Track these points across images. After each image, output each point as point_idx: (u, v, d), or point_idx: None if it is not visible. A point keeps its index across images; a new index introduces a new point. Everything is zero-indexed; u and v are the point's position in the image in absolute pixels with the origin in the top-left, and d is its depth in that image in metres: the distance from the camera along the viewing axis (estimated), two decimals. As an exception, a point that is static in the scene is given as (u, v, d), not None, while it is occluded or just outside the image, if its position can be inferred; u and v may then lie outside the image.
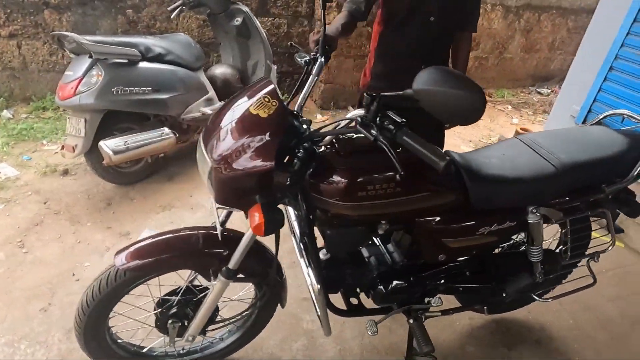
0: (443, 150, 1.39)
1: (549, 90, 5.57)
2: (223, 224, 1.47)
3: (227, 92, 3.18)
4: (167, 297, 1.48)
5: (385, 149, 0.99)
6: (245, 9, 3.18)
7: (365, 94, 1.07)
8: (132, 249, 1.31)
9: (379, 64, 1.90)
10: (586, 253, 1.73)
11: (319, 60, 1.42)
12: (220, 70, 3.25)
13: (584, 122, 3.43)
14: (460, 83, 0.87)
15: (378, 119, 1.04)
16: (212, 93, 3.00)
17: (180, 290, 1.47)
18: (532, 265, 1.65)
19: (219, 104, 3.00)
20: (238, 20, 3.17)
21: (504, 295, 1.67)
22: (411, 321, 1.58)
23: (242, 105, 1.16)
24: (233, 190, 1.13)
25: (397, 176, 0.98)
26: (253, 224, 1.07)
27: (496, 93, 5.37)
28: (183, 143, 2.92)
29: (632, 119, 1.68)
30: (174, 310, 1.47)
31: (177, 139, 2.76)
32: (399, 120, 1.00)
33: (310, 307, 1.97)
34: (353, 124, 1.19)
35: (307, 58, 1.45)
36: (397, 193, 1.22)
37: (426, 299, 1.62)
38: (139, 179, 2.84)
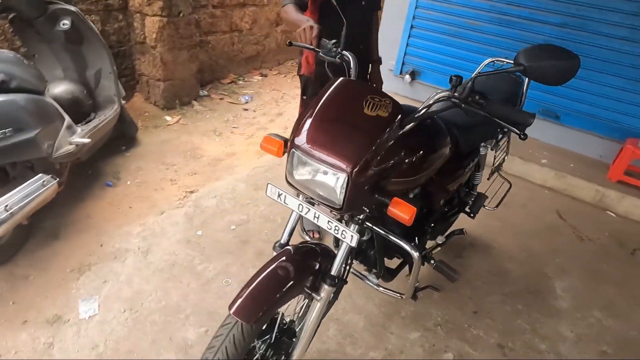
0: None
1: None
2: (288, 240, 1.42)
3: (79, 112, 2.61)
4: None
5: (493, 118, 1.18)
6: (73, 8, 2.59)
7: (452, 76, 1.21)
8: (246, 298, 1.15)
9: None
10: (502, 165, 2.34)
11: (347, 54, 1.45)
12: (61, 88, 2.61)
13: (400, 73, 4.22)
14: (561, 53, 1.12)
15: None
16: (68, 118, 2.41)
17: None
18: (474, 187, 2.17)
19: (81, 130, 2.45)
20: (65, 24, 2.57)
21: (472, 215, 2.13)
22: (432, 262, 1.87)
23: (350, 112, 1.15)
24: (369, 192, 1.13)
25: (520, 136, 1.19)
26: (406, 214, 1.11)
27: (305, 61, 5.88)
28: (62, 187, 2.30)
29: (500, 61, 2.25)
30: (270, 350, 1.36)
31: (58, 183, 2.16)
32: (485, 95, 1.20)
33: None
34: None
35: (341, 56, 1.45)
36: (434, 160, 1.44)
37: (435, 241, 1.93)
38: (16, 251, 2.14)
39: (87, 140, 2.35)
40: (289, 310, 1.48)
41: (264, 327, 1.31)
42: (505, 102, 1.22)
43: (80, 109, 2.64)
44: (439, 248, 1.94)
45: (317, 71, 2.02)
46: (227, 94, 4.49)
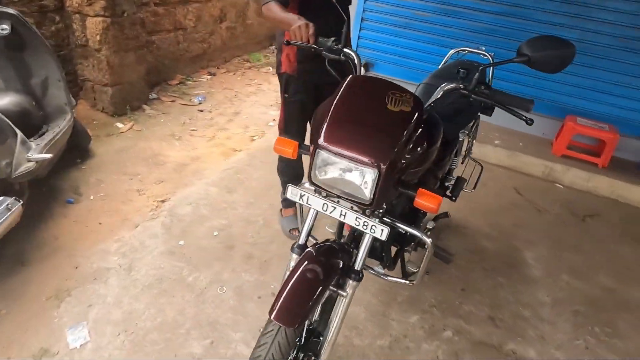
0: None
1: (285, 47, 6.39)
2: (306, 240, 1.41)
3: (30, 125, 2.38)
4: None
5: (501, 106, 1.26)
6: (13, 11, 2.34)
7: (460, 68, 1.27)
8: (285, 303, 1.14)
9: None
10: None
11: (349, 51, 1.45)
12: (6, 100, 2.35)
13: (354, 65, 4.27)
14: (559, 43, 1.20)
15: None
16: (20, 133, 2.19)
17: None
18: (452, 172, 2.28)
19: (36, 145, 2.24)
20: (5, 29, 2.32)
21: (454, 199, 2.24)
22: (426, 246, 1.94)
23: (373, 108, 1.16)
24: (394, 186, 1.16)
25: (527, 122, 1.27)
26: (433, 204, 1.15)
27: (251, 58, 5.78)
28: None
29: (463, 51, 2.38)
30: (300, 353, 1.35)
31: (22, 205, 1.97)
32: (489, 85, 1.28)
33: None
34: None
35: (346, 54, 1.45)
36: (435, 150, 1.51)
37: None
38: (-22, 284, 1.92)
39: (48, 155, 2.16)
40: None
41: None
42: (503, 91, 1.30)
43: (30, 122, 2.41)
44: (429, 232, 2.03)
45: (300, 69, 2.00)
46: (178, 96, 4.30)
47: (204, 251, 2.30)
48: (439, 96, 1.34)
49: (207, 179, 2.94)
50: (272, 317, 1.12)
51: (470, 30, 3.75)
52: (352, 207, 1.28)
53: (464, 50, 2.36)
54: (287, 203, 2.51)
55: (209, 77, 4.96)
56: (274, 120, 4.05)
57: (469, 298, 2.21)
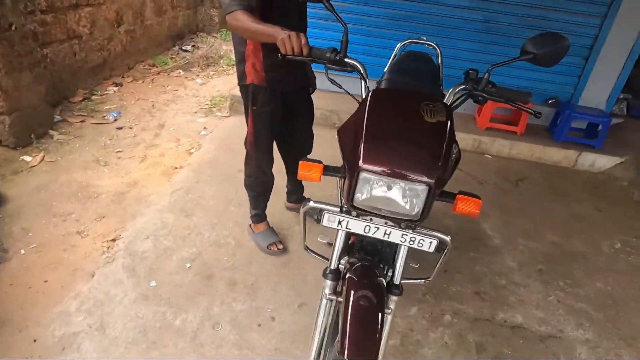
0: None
1: (190, 46, 5.99)
2: (338, 264, 1.35)
3: None
4: None
5: (509, 102, 1.30)
6: None
7: (469, 70, 1.28)
8: (357, 340, 1.08)
9: (271, 56, 1.83)
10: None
11: (351, 61, 1.38)
12: None
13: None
14: (557, 38, 1.26)
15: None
16: None
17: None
18: None
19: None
20: None
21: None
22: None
23: (408, 123, 1.12)
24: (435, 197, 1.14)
25: (535, 115, 1.33)
26: (476, 209, 1.16)
27: (157, 62, 5.31)
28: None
29: (413, 43, 2.44)
30: None
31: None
32: (495, 84, 1.32)
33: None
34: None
35: (350, 64, 1.38)
36: None
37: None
38: None
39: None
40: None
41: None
42: (505, 87, 1.35)
43: None
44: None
45: (268, 78, 1.87)
46: (87, 114, 3.80)
47: (181, 288, 2.08)
48: (453, 97, 1.35)
49: (157, 205, 2.65)
50: (347, 356, 1.04)
51: (390, 18, 3.87)
52: (386, 223, 1.23)
53: (415, 41, 2.41)
54: (258, 218, 2.38)
55: (115, 88, 4.45)
56: (204, 128, 3.79)
57: (453, 278, 2.33)
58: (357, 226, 1.21)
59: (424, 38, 2.51)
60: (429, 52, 2.38)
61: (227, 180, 2.94)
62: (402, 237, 1.19)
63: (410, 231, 1.19)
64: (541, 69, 3.87)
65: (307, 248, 1.86)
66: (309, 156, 1.67)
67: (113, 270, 2.14)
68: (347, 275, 1.27)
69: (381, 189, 1.10)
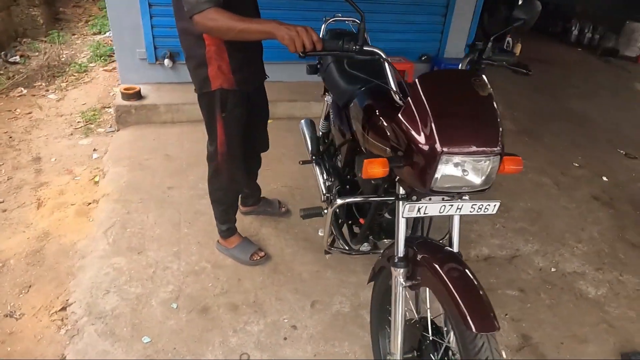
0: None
1: (18, 56, 4.91)
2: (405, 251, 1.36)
3: None
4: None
5: (507, 66, 1.45)
6: None
7: (475, 42, 1.36)
8: (474, 310, 1.09)
9: (236, 53, 1.64)
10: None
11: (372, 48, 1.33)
12: None
13: (156, 59, 3.76)
14: (533, 3, 1.41)
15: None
16: None
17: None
18: None
19: None
20: None
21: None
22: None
23: (469, 101, 1.16)
24: None
25: (527, 74, 1.48)
26: (519, 165, 1.28)
27: (-16, 82, 4.24)
28: None
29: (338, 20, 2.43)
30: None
31: None
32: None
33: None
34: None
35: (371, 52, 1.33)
36: None
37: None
38: None
39: None
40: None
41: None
42: (501, 51, 1.48)
43: None
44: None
45: (238, 79, 1.67)
46: None
47: (182, 333, 1.84)
48: (465, 67, 1.42)
49: (94, 252, 2.22)
50: (476, 329, 1.08)
51: None
52: (442, 199, 1.28)
53: (339, 18, 2.39)
54: (230, 231, 2.19)
55: (-59, 125, 3.44)
56: (94, 150, 3.24)
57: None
58: (434, 209, 1.24)
59: (339, 15, 2.52)
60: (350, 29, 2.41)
61: (161, 202, 2.61)
62: (471, 207, 1.26)
63: (477, 200, 1.25)
64: (413, 30, 4.25)
65: (328, 251, 1.82)
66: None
67: (88, 342, 1.76)
68: (422, 256, 1.29)
69: (460, 168, 1.14)
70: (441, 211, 1.25)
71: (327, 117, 2.33)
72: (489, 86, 1.21)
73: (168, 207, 2.57)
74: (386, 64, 1.33)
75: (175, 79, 3.88)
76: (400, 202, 1.30)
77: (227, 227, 2.17)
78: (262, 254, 2.21)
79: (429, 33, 4.38)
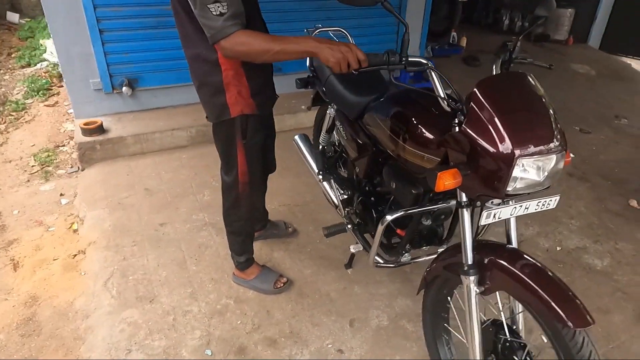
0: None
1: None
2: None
3: None
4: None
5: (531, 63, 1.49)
6: None
7: (505, 42, 1.38)
8: (567, 305, 1.10)
9: (255, 76, 1.55)
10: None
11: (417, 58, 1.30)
12: None
13: (113, 88, 3.51)
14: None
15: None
16: None
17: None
18: None
19: None
20: None
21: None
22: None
23: (531, 101, 1.16)
24: None
25: (550, 67, 1.53)
26: (568, 158, 1.31)
27: None
28: None
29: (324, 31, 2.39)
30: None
31: None
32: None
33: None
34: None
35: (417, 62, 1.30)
36: None
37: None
38: None
39: None
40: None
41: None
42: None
43: None
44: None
45: (258, 103, 1.57)
46: None
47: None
48: (498, 68, 1.44)
49: (99, 309, 2.00)
50: (575, 326, 1.09)
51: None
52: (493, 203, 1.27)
53: (323, 28, 2.35)
54: (249, 262, 2.07)
55: None
56: (61, 195, 2.94)
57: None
58: (506, 212, 1.24)
59: (319, 25, 2.48)
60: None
61: (157, 242, 2.41)
62: (536, 205, 1.27)
63: (542, 198, 1.26)
64: (372, 32, 4.29)
65: (377, 264, 1.77)
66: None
67: (124, 412, 1.57)
68: (488, 260, 1.28)
69: (534, 170, 1.14)
70: (512, 213, 1.25)
71: (329, 130, 2.28)
72: (539, 86, 1.23)
73: (166, 245, 2.39)
74: (433, 73, 1.31)
75: (136, 107, 3.64)
76: (466, 210, 1.29)
77: (245, 258, 2.04)
78: (285, 279, 2.11)
79: (386, 35, 4.47)
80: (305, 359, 1.78)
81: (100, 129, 3.26)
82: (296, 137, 2.59)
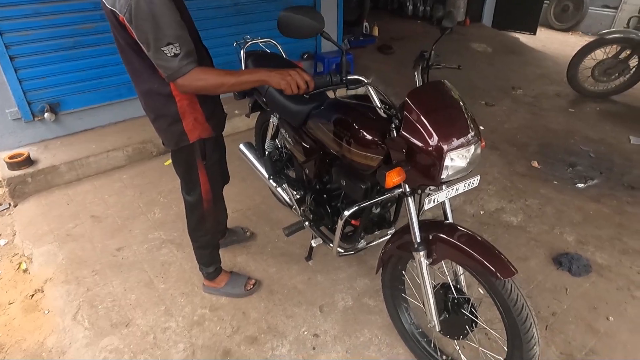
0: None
1: None
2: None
3: None
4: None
5: (444, 66, 1.76)
6: None
7: (422, 52, 1.64)
8: (494, 259, 1.41)
9: (207, 100, 1.65)
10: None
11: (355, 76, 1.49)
12: None
13: (33, 116, 3.36)
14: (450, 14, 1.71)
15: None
16: None
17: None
18: None
19: None
20: None
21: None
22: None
23: (450, 104, 1.42)
24: None
25: (459, 67, 1.81)
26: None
27: None
28: None
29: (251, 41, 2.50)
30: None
31: None
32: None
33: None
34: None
35: (355, 80, 1.47)
36: None
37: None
38: None
39: None
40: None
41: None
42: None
43: None
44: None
45: (213, 125, 1.68)
46: None
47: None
48: (418, 76, 1.68)
49: (75, 343, 2.01)
50: (503, 277, 1.38)
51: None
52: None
53: (251, 40, 2.45)
54: (218, 270, 2.19)
55: None
56: (-2, 235, 2.81)
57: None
58: (442, 196, 1.51)
59: (248, 37, 2.58)
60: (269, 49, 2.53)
61: (118, 267, 2.44)
62: (464, 186, 1.56)
63: (467, 179, 1.55)
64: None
65: (339, 254, 1.99)
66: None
67: None
68: (432, 236, 1.55)
69: (459, 159, 1.41)
70: (447, 196, 1.53)
71: (273, 137, 2.43)
72: (454, 89, 1.50)
73: (129, 269, 2.42)
74: (370, 87, 1.52)
75: (62, 132, 3.50)
76: (410, 198, 1.54)
77: (214, 268, 2.17)
78: (253, 281, 2.27)
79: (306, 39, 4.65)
80: (284, 351, 1.96)
81: (28, 161, 3.11)
82: (241, 146, 2.71)
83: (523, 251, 2.54)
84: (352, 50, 5.23)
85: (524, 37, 6.90)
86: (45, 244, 2.63)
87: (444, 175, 1.40)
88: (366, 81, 1.52)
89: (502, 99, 4.77)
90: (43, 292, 2.32)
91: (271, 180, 2.42)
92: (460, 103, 1.46)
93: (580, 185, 3.17)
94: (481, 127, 4.06)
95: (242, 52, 2.42)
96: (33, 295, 2.31)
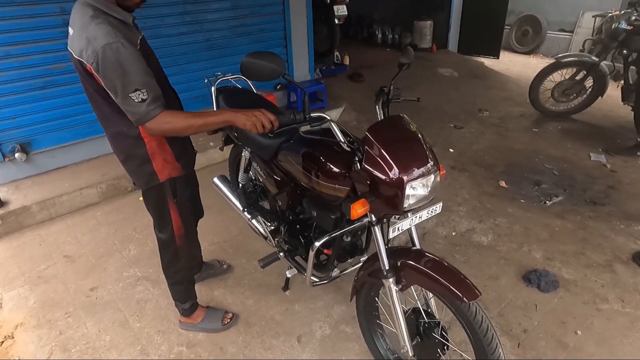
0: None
1: None
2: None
3: None
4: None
5: (404, 99, 1.86)
6: None
7: (382, 87, 1.73)
8: (460, 282, 1.46)
9: (176, 140, 1.70)
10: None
11: (319, 114, 1.55)
12: None
13: (3, 156, 3.34)
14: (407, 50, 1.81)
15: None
16: None
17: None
18: None
19: None
20: None
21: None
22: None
23: (409, 137, 1.50)
24: None
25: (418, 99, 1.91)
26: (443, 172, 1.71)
27: None
28: None
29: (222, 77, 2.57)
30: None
31: None
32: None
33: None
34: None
35: (318, 117, 1.52)
36: None
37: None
38: None
39: None
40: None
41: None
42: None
43: None
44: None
45: (183, 164, 1.72)
46: None
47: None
48: (379, 110, 1.77)
49: (45, 390, 1.97)
50: (468, 300, 1.44)
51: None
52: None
53: (222, 76, 2.51)
54: (194, 306, 2.19)
55: None
56: (-35, 281, 2.73)
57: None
58: (406, 224, 1.57)
59: (219, 73, 2.64)
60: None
61: (92, 308, 2.40)
62: (427, 213, 1.63)
63: (429, 207, 1.63)
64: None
65: (313, 283, 2.02)
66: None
67: None
68: (400, 262, 1.60)
69: (420, 188, 1.48)
70: (411, 224, 1.59)
71: (246, 170, 2.48)
72: (413, 122, 1.59)
73: (103, 309, 2.39)
74: (333, 124, 1.60)
75: (34, 171, 3.48)
76: (376, 227, 1.61)
77: (190, 304, 2.16)
78: (230, 315, 2.27)
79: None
80: (266, 382, 1.96)
81: (-1, 202, 3.07)
82: (215, 179, 2.75)
83: (494, 270, 2.62)
84: (324, 79, 5.38)
85: (488, 61, 7.23)
86: (15, 287, 2.58)
87: (406, 205, 1.46)
88: (328, 118, 1.59)
89: (470, 121, 4.96)
90: (13, 338, 2.26)
91: (245, 213, 2.46)
92: (419, 135, 1.54)
93: (547, 202, 3.30)
94: (450, 150, 4.22)
95: (212, 88, 2.48)
96: (3, 342, 2.25)
